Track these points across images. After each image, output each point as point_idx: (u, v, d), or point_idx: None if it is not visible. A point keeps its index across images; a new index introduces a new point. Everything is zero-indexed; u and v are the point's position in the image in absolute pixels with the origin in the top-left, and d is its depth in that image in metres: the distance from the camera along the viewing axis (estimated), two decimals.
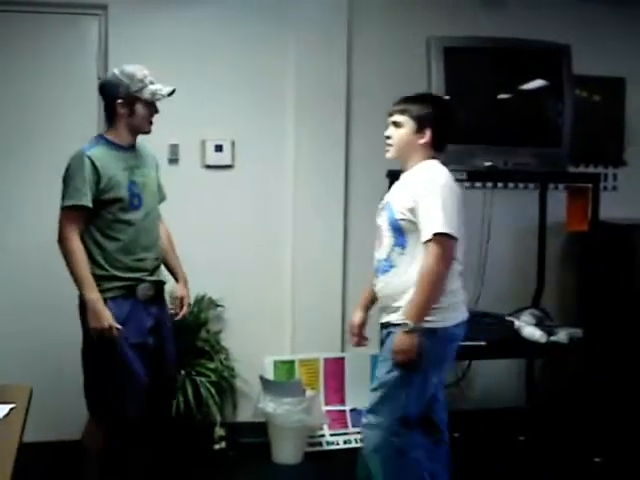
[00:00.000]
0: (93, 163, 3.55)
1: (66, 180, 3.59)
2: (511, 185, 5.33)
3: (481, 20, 5.07)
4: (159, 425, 3.92)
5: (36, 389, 3.07)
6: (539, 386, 5.22)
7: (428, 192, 3.45)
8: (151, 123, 3.73)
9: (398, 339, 3.39)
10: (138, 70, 3.68)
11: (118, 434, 3.66)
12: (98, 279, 3.57)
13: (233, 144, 4.96)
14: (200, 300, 4.80)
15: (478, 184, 5.18)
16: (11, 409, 2.82)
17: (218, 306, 4.90)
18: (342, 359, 5.12)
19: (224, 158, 4.95)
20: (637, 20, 5.39)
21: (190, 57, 4.88)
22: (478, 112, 4.49)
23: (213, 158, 4.92)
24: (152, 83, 3.67)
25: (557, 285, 5.37)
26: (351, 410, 5.07)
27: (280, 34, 4.99)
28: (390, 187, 4.65)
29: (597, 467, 4.53)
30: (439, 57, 4.24)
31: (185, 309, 4.00)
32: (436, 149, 3.62)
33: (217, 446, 4.74)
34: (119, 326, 3.50)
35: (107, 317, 3.50)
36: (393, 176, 4.67)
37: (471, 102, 4.47)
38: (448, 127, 3.66)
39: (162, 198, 3.97)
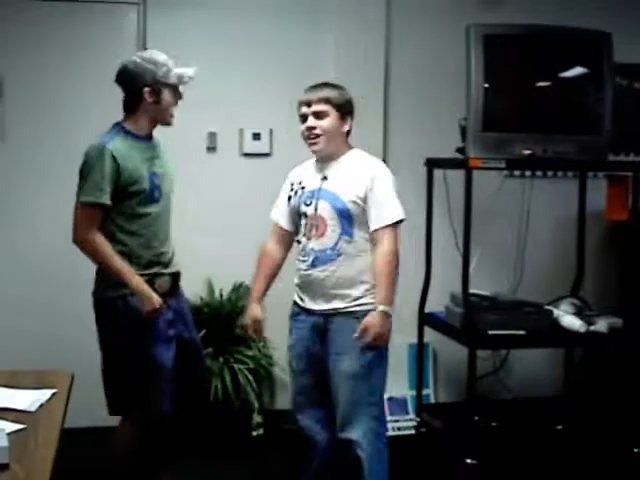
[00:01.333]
0: (114, 156, 3.40)
1: (84, 173, 3.43)
2: (550, 174, 5.30)
3: (519, 7, 5.03)
4: (193, 415, 3.92)
5: (77, 375, 3.11)
6: (578, 376, 5.18)
7: (381, 180, 3.53)
8: (172, 116, 3.60)
9: (380, 323, 3.40)
10: (157, 54, 3.57)
11: (152, 431, 3.62)
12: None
13: (271, 132, 4.97)
14: (238, 288, 4.82)
15: (517, 173, 5.16)
16: (53, 394, 2.85)
17: None
18: None
19: (262, 146, 4.96)
20: None
21: (228, 45, 4.90)
22: (517, 100, 4.45)
23: (251, 146, 4.94)
24: (173, 66, 3.56)
25: (596, 274, 5.33)
26: (389, 399, 5.06)
27: (318, 21, 5.00)
28: (430, 174, 4.69)
29: (636, 458, 4.50)
30: (478, 45, 4.20)
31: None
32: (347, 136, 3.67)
33: (255, 433, 4.76)
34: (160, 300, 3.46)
35: (156, 297, 3.46)
36: (432, 164, 4.69)
37: (510, 90, 4.44)
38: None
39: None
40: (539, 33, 4.45)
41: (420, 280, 4.80)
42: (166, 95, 3.54)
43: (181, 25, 4.81)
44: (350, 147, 3.67)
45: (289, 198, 3.70)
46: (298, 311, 3.68)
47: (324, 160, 3.63)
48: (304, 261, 3.59)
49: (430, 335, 4.91)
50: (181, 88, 3.60)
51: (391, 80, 5.10)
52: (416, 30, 5.10)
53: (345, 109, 3.61)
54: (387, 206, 3.50)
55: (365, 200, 3.49)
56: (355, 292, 3.53)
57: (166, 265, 3.64)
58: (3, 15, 4.73)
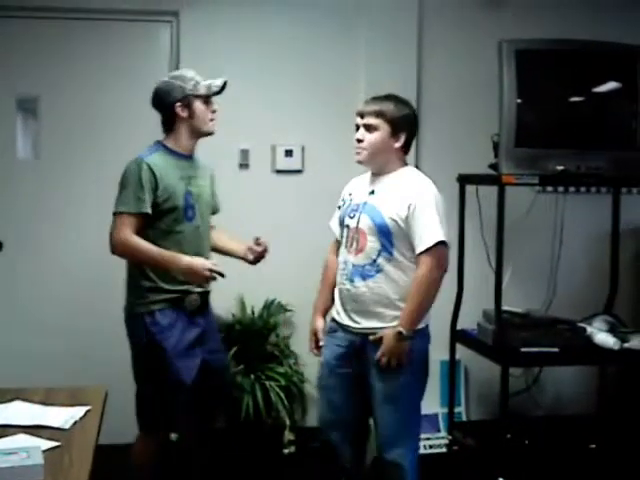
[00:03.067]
0: (151, 170, 3.49)
1: (122, 186, 3.51)
2: (583, 189, 5.26)
3: (551, 20, 5.01)
4: (213, 434, 3.91)
5: (111, 391, 3.12)
6: (611, 393, 5.13)
7: (425, 201, 3.46)
8: (213, 121, 3.65)
9: (395, 345, 3.38)
10: (185, 71, 3.69)
11: (168, 449, 3.65)
12: (145, 291, 3.55)
13: (303, 149, 4.98)
14: (269, 305, 4.82)
15: (550, 188, 5.12)
16: (87, 411, 2.86)
17: (287, 310, 4.91)
18: None
19: (294, 163, 4.97)
20: None
21: (260, 62, 4.92)
22: (550, 115, 4.43)
23: (283, 163, 4.94)
24: (202, 80, 3.64)
25: (630, 291, 5.29)
26: None
27: (350, 37, 5.00)
28: (462, 190, 4.67)
29: None
30: (511, 60, 4.18)
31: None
32: (405, 153, 3.62)
33: (286, 450, 4.75)
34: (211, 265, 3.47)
35: (202, 264, 3.48)
36: (464, 180, 4.67)
37: (543, 105, 4.42)
38: (416, 131, 3.70)
39: (215, 210, 3.93)
40: (571, 48, 4.43)
41: (452, 297, 4.77)
42: (198, 106, 3.61)
43: (214, 42, 4.84)
44: (405, 164, 3.63)
45: (339, 207, 3.71)
46: (335, 327, 3.66)
47: (375, 174, 3.63)
48: (343, 274, 3.58)
49: (462, 352, 4.88)
50: (215, 100, 3.65)
51: (423, 96, 5.09)
52: (448, 46, 5.10)
53: (399, 125, 3.54)
54: (428, 229, 3.42)
55: (406, 220, 3.44)
56: (394, 312, 3.48)
57: (197, 284, 3.65)
58: (37, 35, 4.78)
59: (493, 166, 4.43)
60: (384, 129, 3.53)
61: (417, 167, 5.01)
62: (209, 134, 3.69)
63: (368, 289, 3.49)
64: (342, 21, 5.01)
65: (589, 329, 4.52)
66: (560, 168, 4.28)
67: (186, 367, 3.55)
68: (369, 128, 3.54)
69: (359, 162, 3.61)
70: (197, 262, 3.47)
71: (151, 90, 3.66)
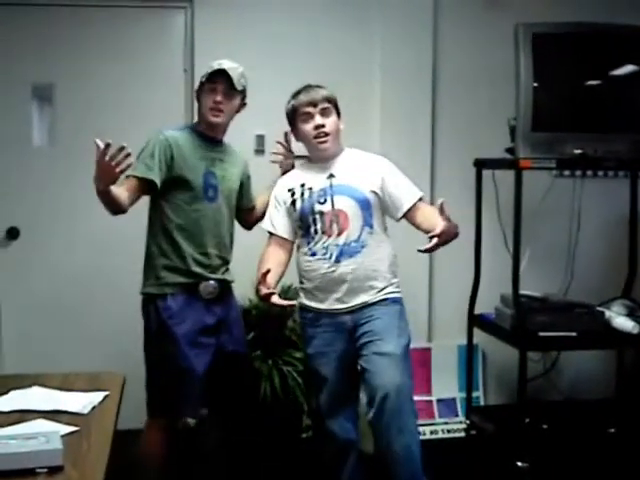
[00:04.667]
0: (168, 141, 3.52)
1: (138, 154, 3.48)
2: (601, 173, 5.23)
3: (567, 5, 4.96)
4: (230, 421, 3.89)
5: (129, 377, 3.13)
6: (630, 377, 5.11)
7: (391, 168, 3.70)
8: (212, 111, 3.60)
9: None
10: (223, 59, 3.65)
11: (177, 436, 3.62)
12: (161, 269, 3.55)
13: None
14: (287, 290, 4.80)
15: (567, 172, 5.10)
16: (105, 396, 2.87)
17: None
18: (429, 349, 5.10)
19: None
20: None
21: (275, 48, 4.91)
22: (567, 99, 4.40)
23: (299, 148, 4.91)
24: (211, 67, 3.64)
25: None
26: (438, 400, 5.05)
27: (366, 22, 4.99)
28: (479, 175, 4.66)
29: None
30: (528, 44, 4.16)
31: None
32: None
33: (304, 435, 4.75)
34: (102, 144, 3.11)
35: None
36: (481, 165, 4.65)
37: (560, 89, 4.39)
38: None
39: (247, 203, 3.93)
40: (588, 31, 4.40)
41: (470, 281, 4.77)
42: (203, 95, 3.64)
43: (229, 28, 4.83)
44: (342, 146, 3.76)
45: (293, 203, 3.68)
46: (314, 317, 3.67)
47: (326, 159, 3.68)
48: (325, 259, 3.58)
49: (480, 337, 4.87)
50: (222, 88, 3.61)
51: (439, 81, 5.07)
52: (464, 29, 5.08)
53: (338, 108, 3.71)
54: (408, 188, 3.66)
55: (382, 189, 3.61)
56: (379, 284, 3.60)
57: (214, 270, 3.65)
58: (52, 22, 4.78)
59: (510, 150, 4.41)
60: (334, 113, 3.67)
61: (433, 152, 5.07)
62: (209, 124, 3.66)
63: (358, 265, 3.55)
64: (358, 5, 4.99)
65: (607, 313, 4.51)
66: (578, 152, 4.25)
67: (197, 355, 3.54)
68: (325, 113, 3.63)
69: (326, 149, 3.65)
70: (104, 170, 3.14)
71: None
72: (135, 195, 3.47)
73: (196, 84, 3.74)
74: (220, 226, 3.68)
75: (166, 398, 3.56)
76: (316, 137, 3.62)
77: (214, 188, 3.63)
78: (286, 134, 3.90)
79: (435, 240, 3.22)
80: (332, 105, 3.67)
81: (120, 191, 3.32)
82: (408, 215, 3.64)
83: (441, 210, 3.19)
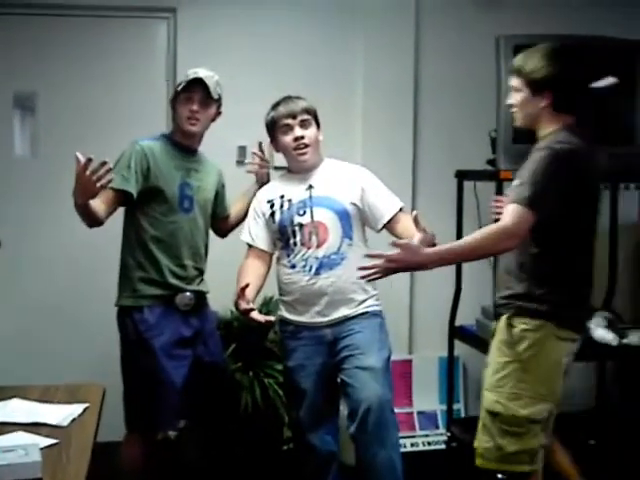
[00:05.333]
0: (144, 152, 3.50)
1: (114, 166, 3.32)
2: None
3: (548, 18, 5.00)
4: (210, 433, 3.89)
5: (108, 389, 3.11)
6: (610, 389, 5.13)
7: (370, 178, 3.70)
8: (190, 120, 3.57)
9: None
10: (197, 69, 3.62)
11: (154, 450, 3.60)
12: (138, 281, 3.53)
13: None
14: (268, 302, 4.80)
15: None
16: (85, 409, 2.85)
17: None
18: (410, 361, 5.11)
19: None
20: None
21: (258, 58, 4.92)
22: None
23: (282, 159, 4.90)
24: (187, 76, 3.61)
25: (629, 287, 5.29)
26: (419, 413, 5.05)
27: (348, 34, 5.01)
28: (460, 186, 4.67)
29: None
30: (508, 55, 4.16)
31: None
32: None
33: (285, 447, 4.74)
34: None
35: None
36: (462, 176, 4.67)
37: None
38: None
39: (222, 212, 3.92)
40: (570, 43, 4.41)
41: (450, 293, 4.77)
42: (178, 104, 3.60)
43: (212, 38, 4.84)
44: (322, 155, 3.76)
45: (272, 214, 3.67)
46: (294, 330, 3.67)
47: (305, 171, 3.69)
48: (305, 271, 3.58)
49: (461, 348, 4.88)
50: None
51: (421, 92, 5.10)
52: (446, 41, 5.10)
53: (318, 120, 3.71)
54: (390, 198, 3.66)
55: (362, 200, 3.61)
56: (359, 296, 3.60)
57: (190, 281, 3.64)
58: (35, 31, 4.78)
59: (491, 162, 4.43)
60: (313, 124, 3.67)
61: (414, 163, 5.08)
62: (186, 132, 3.63)
63: (337, 278, 3.54)
64: (340, 18, 5.01)
65: (587, 325, 4.52)
66: None
67: (175, 367, 3.52)
68: (304, 125, 3.63)
69: (306, 161, 3.65)
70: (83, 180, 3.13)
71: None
72: (112, 207, 3.45)
73: None
74: (196, 237, 3.67)
75: (145, 412, 3.54)
76: (295, 149, 3.62)
77: (189, 199, 3.61)
78: (260, 144, 3.89)
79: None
80: (312, 116, 3.67)
81: (97, 204, 3.30)
82: (388, 226, 3.64)
83: (416, 222, 3.15)
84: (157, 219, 3.54)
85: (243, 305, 3.41)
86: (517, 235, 2.95)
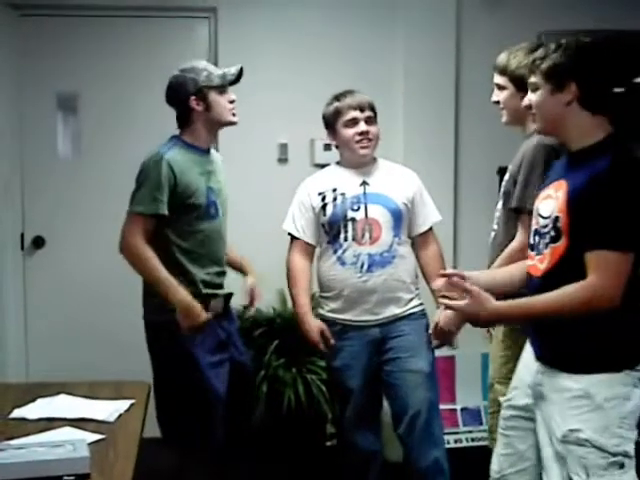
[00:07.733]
0: (171, 167, 3.32)
1: (140, 183, 3.35)
2: None
3: (590, 13, 4.95)
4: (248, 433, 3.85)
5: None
6: None
7: (420, 185, 3.75)
8: (232, 110, 3.49)
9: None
10: (196, 62, 3.53)
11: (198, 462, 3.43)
12: None
13: None
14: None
15: None
16: (131, 404, 2.88)
17: None
18: (453, 357, 5.08)
19: (333, 157, 4.92)
20: None
21: (298, 56, 4.92)
22: None
23: (322, 157, 4.93)
24: (215, 70, 3.50)
25: None
26: (462, 409, 5.03)
27: (388, 30, 4.98)
28: (501, 183, 4.64)
29: None
30: None
31: (258, 299, 3.78)
32: None
33: (329, 443, 4.75)
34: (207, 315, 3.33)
35: (204, 314, 3.32)
36: (503, 172, 4.63)
37: None
38: None
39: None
40: (614, 39, 4.38)
41: None
42: (214, 98, 3.46)
43: (252, 37, 4.84)
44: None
45: (323, 207, 3.65)
46: (341, 329, 3.66)
47: (360, 166, 3.67)
48: (356, 268, 3.56)
49: None
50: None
51: (462, 88, 5.06)
52: (488, 36, 5.06)
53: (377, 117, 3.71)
54: (432, 207, 3.72)
55: (413, 202, 3.64)
56: (405, 295, 3.62)
57: (221, 286, 3.57)
58: (77, 33, 4.82)
59: None
60: (376, 121, 3.67)
61: (456, 160, 5.05)
62: (231, 124, 3.54)
63: (389, 275, 3.55)
64: (380, 11, 4.99)
65: None
66: None
67: (212, 378, 3.40)
68: (369, 121, 3.62)
69: (366, 155, 3.65)
70: (196, 308, 3.31)
71: None
72: (150, 233, 3.36)
73: None
74: (223, 241, 3.58)
75: (195, 427, 3.38)
76: (358, 142, 3.61)
77: (214, 204, 3.48)
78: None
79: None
80: (374, 113, 3.68)
81: (154, 259, 3.31)
82: (417, 239, 3.70)
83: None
84: (186, 231, 3.40)
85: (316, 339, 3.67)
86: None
